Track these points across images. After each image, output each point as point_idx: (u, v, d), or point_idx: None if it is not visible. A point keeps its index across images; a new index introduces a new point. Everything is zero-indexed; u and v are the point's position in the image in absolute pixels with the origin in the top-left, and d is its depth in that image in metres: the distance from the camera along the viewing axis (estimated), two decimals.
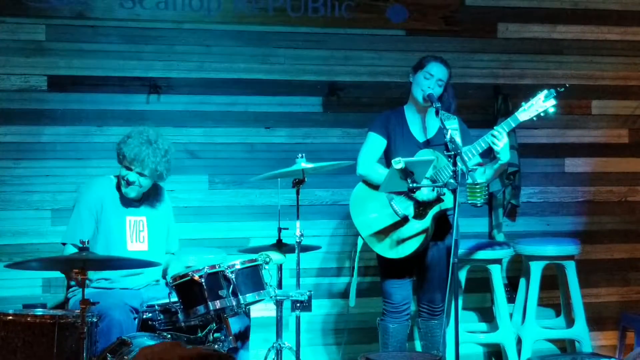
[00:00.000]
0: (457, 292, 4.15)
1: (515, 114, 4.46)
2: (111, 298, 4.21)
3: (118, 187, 4.55)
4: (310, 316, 5.14)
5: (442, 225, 4.61)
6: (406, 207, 4.56)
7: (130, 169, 4.43)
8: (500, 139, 4.40)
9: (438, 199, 4.52)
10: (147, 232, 4.58)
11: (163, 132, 5.11)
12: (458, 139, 4.49)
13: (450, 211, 4.55)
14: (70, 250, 4.40)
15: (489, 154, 4.68)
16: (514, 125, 4.45)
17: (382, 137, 4.70)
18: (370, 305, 5.42)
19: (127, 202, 4.55)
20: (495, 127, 4.47)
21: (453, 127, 4.53)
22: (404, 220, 4.54)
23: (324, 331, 5.73)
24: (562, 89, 4.46)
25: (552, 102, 4.43)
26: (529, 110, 4.42)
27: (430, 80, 4.59)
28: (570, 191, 6.07)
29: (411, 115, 4.73)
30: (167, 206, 4.75)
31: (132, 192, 4.49)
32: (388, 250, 4.59)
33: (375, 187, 4.56)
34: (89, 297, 3.67)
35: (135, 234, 4.54)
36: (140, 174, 4.44)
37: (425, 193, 4.50)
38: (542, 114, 4.44)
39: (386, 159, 4.72)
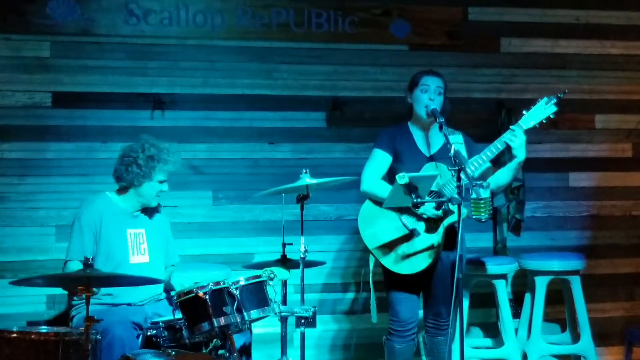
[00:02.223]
0: (462, 307, 4.13)
1: (519, 122, 4.48)
2: (114, 315, 4.21)
3: (116, 203, 4.57)
4: (315, 332, 5.12)
5: (452, 237, 4.58)
6: (416, 222, 4.54)
7: (166, 180, 4.60)
8: (518, 135, 4.42)
9: (445, 214, 4.50)
10: (147, 244, 4.60)
11: None
12: (464, 153, 4.49)
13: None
14: (74, 265, 4.40)
15: (497, 162, 4.67)
16: (525, 128, 4.46)
17: (388, 153, 4.68)
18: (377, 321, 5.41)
19: (126, 216, 4.58)
20: (510, 127, 4.48)
21: (458, 142, 4.53)
22: (415, 234, 4.51)
23: (330, 347, 5.72)
24: (562, 95, 4.47)
25: (554, 108, 4.46)
26: (530, 117, 4.46)
27: (429, 91, 4.60)
28: (575, 206, 6.06)
29: (416, 131, 4.73)
30: (163, 219, 4.79)
31: (158, 200, 4.64)
32: (398, 265, 4.56)
33: (381, 203, 4.54)
34: (93, 314, 3.67)
35: (136, 246, 4.56)
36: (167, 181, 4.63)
37: (430, 209, 4.49)
38: (544, 121, 4.47)
39: (392, 175, 4.69)
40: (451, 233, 4.58)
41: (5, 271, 5.30)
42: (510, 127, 4.49)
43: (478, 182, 4.14)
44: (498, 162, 5.09)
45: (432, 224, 4.53)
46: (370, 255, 4.66)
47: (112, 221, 4.54)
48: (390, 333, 4.71)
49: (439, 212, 4.47)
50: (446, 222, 4.50)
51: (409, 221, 4.51)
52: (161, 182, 4.58)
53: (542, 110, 4.47)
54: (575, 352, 5.70)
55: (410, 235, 4.51)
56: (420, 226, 4.53)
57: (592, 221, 6.08)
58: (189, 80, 5.58)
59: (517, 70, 5.99)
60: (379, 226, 4.58)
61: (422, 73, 4.71)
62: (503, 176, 4.62)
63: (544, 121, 4.48)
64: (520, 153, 4.48)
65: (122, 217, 4.57)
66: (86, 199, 4.74)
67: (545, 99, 4.49)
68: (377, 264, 4.64)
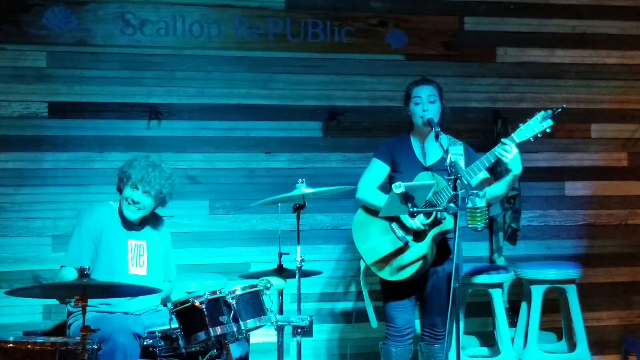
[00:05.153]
0: (459, 317, 4.14)
1: (513, 134, 4.42)
2: (114, 322, 4.19)
3: (119, 213, 4.56)
4: (312, 341, 5.12)
5: (442, 251, 4.61)
6: (405, 229, 4.55)
7: (136, 188, 4.46)
8: (509, 150, 4.38)
9: (435, 222, 4.51)
10: (147, 257, 4.58)
11: (163, 157, 5.13)
12: (462, 163, 4.49)
13: (450, 234, 4.55)
14: (68, 271, 4.39)
15: (493, 171, 4.65)
16: (518, 141, 4.41)
17: (386, 164, 4.69)
18: (372, 329, 5.40)
19: (129, 226, 4.56)
20: (502, 140, 4.43)
21: (458, 153, 4.53)
22: (405, 244, 4.53)
23: (327, 356, 5.72)
24: (560, 110, 4.39)
25: (549, 122, 4.41)
26: (525, 130, 4.40)
27: (422, 102, 4.61)
28: (571, 215, 6.07)
29: (416, 141, 4.73)
30: (165, 233, 4.76)
31: (134, 214, 4.50)
32: (389, 274, 4.59)
33: (374, 212, 4.55)
34: (90, 322, 3.66)
35: (136, 257, 4.55)
36: (145, 193, 4.46)
37: (416, 222, 4.49)
38: (539, 135, 4.42)
39: (391, 184, 4.69)
40: (444, 246, 4.60)
41: (1, 281, 5.30)
42: (502, 140, 4.44)
43: (474, 192, 4.14)
44: (494, 172, 5.09)
45: (420, 233, 4.54)
46: (361, 260, 4.68)
47: (113, 230, 4.53)
48: (386, 338, 4.72)
49: (421, 227, 4.48)
50: (434, 231, 4.51)
51: (400, 230, 4.52)
52: (133, 187, 4.47)
53: (538, 124, 4.40)
54: None
55: (402, 245, 4.53)
56: (410, 235, 4.54)
57: (588, 230, 6.09)
58: (186, 90, 5.59)
59: (513, 79, 6.00)
60: (372, 240, 4.59)
61: (413, 84, 4.70)
62: (498, 189, 4.60)
63: (539, 135, 4.38)
64: (514, 167, 4.43)
65: (124, 227, 4.56)
66: (89, 206, 4.73)
67: (542, 112, 4.39)
68: (368, 269, 4.66)
